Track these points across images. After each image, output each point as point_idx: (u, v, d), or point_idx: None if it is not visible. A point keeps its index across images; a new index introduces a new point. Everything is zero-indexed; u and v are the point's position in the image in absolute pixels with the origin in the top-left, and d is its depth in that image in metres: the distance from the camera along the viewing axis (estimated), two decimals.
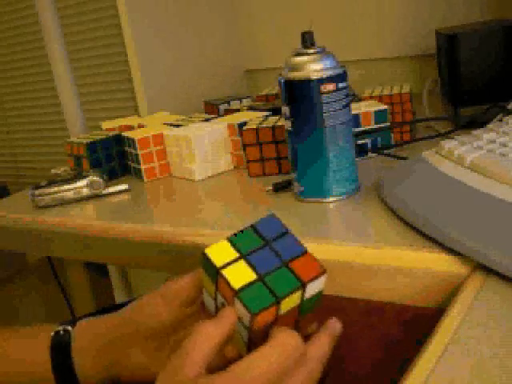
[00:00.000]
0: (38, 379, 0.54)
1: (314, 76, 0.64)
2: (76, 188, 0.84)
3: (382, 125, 0.81)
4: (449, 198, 0.56)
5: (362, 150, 0.79)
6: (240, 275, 0.44)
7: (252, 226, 0.47)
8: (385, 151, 0.80)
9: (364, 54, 1.27)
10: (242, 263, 0.44)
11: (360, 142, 0.79)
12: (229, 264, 0.44)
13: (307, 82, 0.64)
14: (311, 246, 0.57)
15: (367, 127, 0.81)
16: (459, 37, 0.89)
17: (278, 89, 0.69)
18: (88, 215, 0.81)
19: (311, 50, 0.65)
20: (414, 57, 1.22)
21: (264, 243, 0.46)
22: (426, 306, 0.51)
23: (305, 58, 0.65)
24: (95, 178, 0.84)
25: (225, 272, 0.44)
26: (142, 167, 0.88)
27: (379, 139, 0.81)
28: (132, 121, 1.04)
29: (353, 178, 0.68)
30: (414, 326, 0.51)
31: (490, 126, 0.69)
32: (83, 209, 0.83)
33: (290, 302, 0.44)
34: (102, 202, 0.84)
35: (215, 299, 0.47)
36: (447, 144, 0.65)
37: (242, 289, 0.43)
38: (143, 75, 1.27)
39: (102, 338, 0.52)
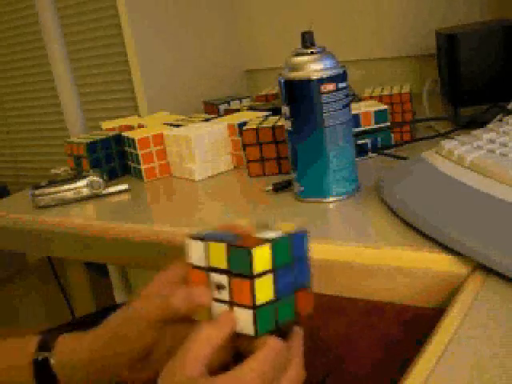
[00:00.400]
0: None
1: (314, 76, 0.64)
2: (76, 188, 0.84)
3: (382, 125, 0.81)
4: (449, 198, 0.56)
5: (362, 150, 0.79)
6: (264, 290, 0.43)
7: (290, 236, 0.45)
8: (385, 151, 0.80)
9: (364, 54, 1.27)
10: (270, 277, 0.43)
11: (360, 141, 0.79)
12: (263, 274, 0.42)
13: (307, 82, 0.64)
14: (312, 246, 0.57)
15: (367, 127, 0.81)
16: (459, 37, 0.89)
17: (277, 89, 0.69)
18: (88, 215, 0.81)
19: (311, 50, 0.65)
20: (414, 57, 1.22)
21: (291, 261, 0.45)
22: (426, 306, 0.51)
23: (305, 58, 0.65)
24: (95, 178, 0.84)
25: (257, 281, 0.42)
26: (142, 167, 0.88)
27: (379, 139, 0.81)
28: (132, 121, 1.04)
29: (353, 178, 0.68)
30: (413, 325, 0.51)
31: (490, 125, 0.69)
32: (83, 209, 0.83)
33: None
34: (102, 202, 0.84)
35: (216, 287, 0.45)
36: (447, 144, 0.65)
37: (261, 306, 0.42)
38: (143, 75, 1.27)
39: (85, 362, 0.51)
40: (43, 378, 0.52)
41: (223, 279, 0.44)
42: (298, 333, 0.47)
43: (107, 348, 0.50)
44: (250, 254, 0.42)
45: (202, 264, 0.45)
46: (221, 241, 0.44)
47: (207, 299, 0.45)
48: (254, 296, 0.42)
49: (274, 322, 0.43)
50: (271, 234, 0.44)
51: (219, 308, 0.45)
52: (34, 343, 0.54)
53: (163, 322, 0.48)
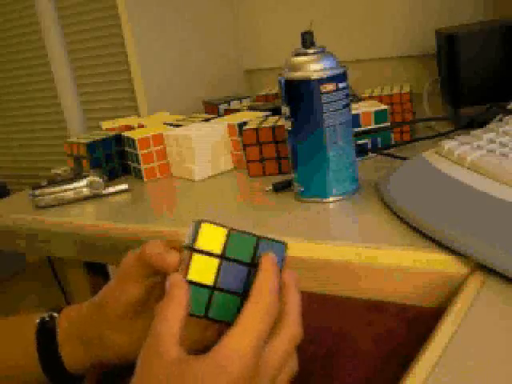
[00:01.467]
0: (25, 370, 0.54)
1: (314, 76, 0.64)
2: (76, 188, 0.84)
3: (381, 125, 0.81)
4: (449, 198, 0.56)
5: (362, 150, 0.79)
6: (202, 270, 0.43)
7: (258, 238, 0.44)
8: (385, 151, 0.80)
9: (364, 54, 1.27)
10: (213, 261, 0.43)
11: (360, 142, 0.79)
12: (205, 253, 0.43)
13: (307, 82, 0.64)
14: (311, 246, 0.57)
15: (367, 127, 0.81)
16: (459, 37, 0.89)
17: (278, 89, 0.69)
18: (88, 215, 0.81)
19: (311, 50, 0.65)
20: (414, 57, 1.22)
21: (250, 263, 0.44)
22: (426, 305, 0.51)
23: (305, 58, 0.65)
24: (95, 178, 0.84)
25: (195, 256, 0.43)
26: (142, 167, 0.88)
27: (379, 139, 0.81)
28: (132, 121, 1.05)
29: (353, 177, 0.68)
30: (413, 325, 0.51)
31: (490, 126, 0.69)
32: (83, 209, 0.83)
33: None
34: (102, 202, 0.84)
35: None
36: (447, 144, 0.65)
37: (193, 283, 0.42)
38: (143, 75, 1.27)
39: (82, 323, 0.53)
40: (47, 352, 0.53)
41: (186, 254, 0.44)
42: (292, 281, 0.44)
43: (96, 310, 0.52)
44: (198, 225, 0.43)
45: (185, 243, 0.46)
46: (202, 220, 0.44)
47: (173, 259, 0.45)
48: (187, 269, 0.42)
49: (204, 309, 0.43)
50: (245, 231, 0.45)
51: None
52: (34, 321, 0.55)
53: (144, 275, 0.49)
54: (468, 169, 0.60)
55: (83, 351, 0.53)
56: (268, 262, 0.43)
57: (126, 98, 1.42)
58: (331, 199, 0.67)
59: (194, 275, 0.43)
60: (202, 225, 0.43)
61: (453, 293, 0.47)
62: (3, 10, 1.70)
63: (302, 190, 0.68)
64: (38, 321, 0.54)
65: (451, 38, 0.90)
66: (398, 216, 0.57)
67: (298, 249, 0.57)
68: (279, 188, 0.73)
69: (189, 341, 0.43)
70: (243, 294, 0.43)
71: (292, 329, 0.42)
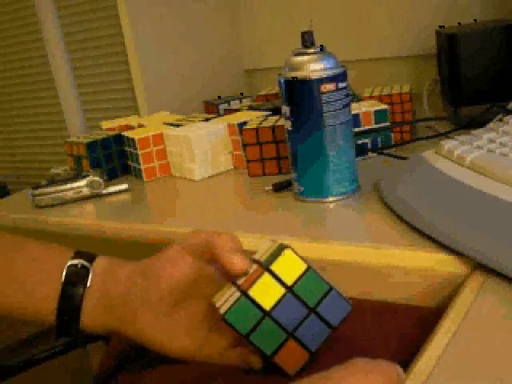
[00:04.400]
0: (39, 307, 0.51)
1: (314, 76, 0.64)
2: (76, 188, 0.84)
3: (381, 125, 0.81)
4: (449, 198, 0.56)
5: (362, 150, 0.79)
6: (265, 292, 0.41)
7: (330, 288, 0.43)
8: (385, 151, 0.80)
9: (364, 54, 1.27)
10: (280, 289, 0.42)
11: (360, 141, 0.79)
12: (276, 277, 0.42)
13: (307, 82, 0.64)
14: (312, 246, 0.57)
15: (367, 127, 0.81)
16: (459, 37, 0.89)
17: (278, 89, 0.69)
18: (88, 215, 0.81)
19: (311, 50, 0.65)
20: (414, 57, 1.22)
21: (311, 307, 0.42)
22: (426, 305, 0.51)
23: (305, 58, 0.65)
24: (95, 178, 0.84)
25: (266, 276, 0.41)
26: (142, 167, 0.88)
27: (379, 139, 0.81)
28: (132, 121, 1.04)
29: (353, 177, 0.68)
30: (413, 325, 0.51)
31: (490, 125, 0.69)
32: (83, 209, 0.83)
33: None
34: (102, 202, 0.84)
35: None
36: (447, 144, 0.65)
37: (248, 296, 0.41)
38: (143, 75, 1.27)
39: (118, 287, 0.49)
40: (67, 301, 0.50)
41: (252, 268, 0.43)
42: None
43: (141, 280, 0.48)
44: (281, 250, 0.42)
45: (257, 257, 0.45)
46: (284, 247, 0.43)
47: (241, 266, 0.44)
48: (251, 284, 0.41)
49: (247, 329, 0.41)
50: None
51: (228, 290, 0.44)
52: (70, 252, 0.51)
53: (203, 259, 0.47)
54: (468, 169, 0.60)
55: (107, 317, 0.49)
56: None
57: (126, 98, 1.42)
58: (331, 199, 0.67)
59: (255, 292, 0.41)
60: (286, 251, 0.42)
61: (453, 293, 0.47)
62: (3, 9, 1.70)
63: (302, 190, 0.68)
64: (68, 264, 0.50)
65: (451, 38, 0.90)
66: (398, 216, 0.57)
67: (297, 249, 0.57)
68: (279, 188, 0.73)
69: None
70: (291, 334, 0.42)
71: None
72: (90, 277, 0.50)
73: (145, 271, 0.49)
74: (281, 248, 0.42)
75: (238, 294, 0.42)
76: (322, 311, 0.43)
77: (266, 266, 0.42)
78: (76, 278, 0.50)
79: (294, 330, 0.42)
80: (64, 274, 0.50)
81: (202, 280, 0.48)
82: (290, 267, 0.42)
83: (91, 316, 0.50)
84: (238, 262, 0.44)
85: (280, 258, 0.42)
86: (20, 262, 0.53)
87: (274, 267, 0.41)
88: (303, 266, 0.42)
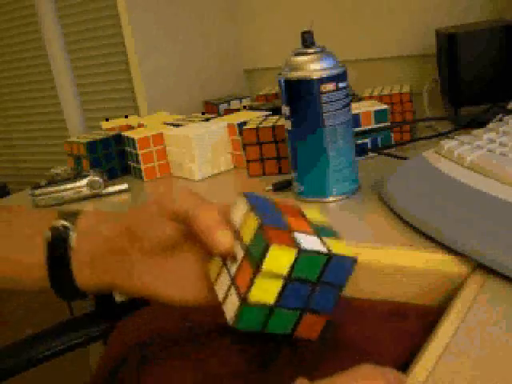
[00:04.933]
0: (33, 276, 0.50)
1: (314, 76, 0.64)
2: (76, 188, 0.84)
3: (381, 125, 0.81)
4: (449, 198, 0.56)
5: (362, 150, 0.79)
6: (265, 291, 0.40)
7: (328, 257, 0.40)
8: (385, 151, 0.80)
9: (364, 54, 1.27)
10: (279, 283, 0.40)
11: (360, 141, 0.79)
12: (271, 276, 0.39)
13: (307, 82, 0.64)
14: None
15: (367, 127, 0.81)
16: (459, 37, 0.89)
17: (277, 89, 0.69)
18: None
19: (311, 50, 0.65)
20: (414, 57, 1.22)
21: (316, 282, 0.41)
22: (426, 305, 0.51)
23: (305, 58, 0.65)
24: (95, 178, 0.84)
25: (260, 278, 0.39)
26: (142, 167, 0.88)
27: (379, 139, 0.81)
28: (132, 121, 1.05)
29: (353, 177, 0.68)
30: (413, 325, 0.51)
31: (490, 125, 0.69)
32: (83, 209, 0.82)
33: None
34: (102, 202, 0.84)
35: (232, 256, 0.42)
36: (447, 144, 0.65)
37: (250, 303, 0.40)
38: (143, 75, 1.27)
39: (105, 244, 0.48)
40: (57, 263, 0.49)
41: (239, 253, 0.41)
42: None
43: (125, 235, 0.47)
44: (266, 248, 0.39)
45: (237, 224, 0.42)
46: (260, 214, 0.41)
47: (228, 243, 0.42)
48: (248, 289, 0.39)
49: (260, 325, 0.41)
50: (315, 243, 0.41)
51: (223, 277, 0.42)
52: (53, 214, 0.50)
53: (183, 229, 0.45)
54: (468, 169, 0.60)
55: (99, 275, 0.48)
56: None
57: (126, 97, 1.42)
58: (331, 199, 0.67)
59: (254, 296, 0.40)
60: (271, 249, 0.39)
61: (453, 293, 0.47)
62: (3, 9, 1.70)
63: (302, 189, 0.68)
64: (50, 228, 0.49)
65: (451, 38, 0.90)
66: (398, 216, 0.57)
67: None
68: (279, 188, 0.73)
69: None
70: (303, 309, 0.41)
71: None
72: (73, 236, 0.49)
73: (130, 227, 0.47)
74: (266, 247, 0.39)
75: (237, 302, 0.40)
76: (327, 279, 0.41)
77: (256, 266, 0.39)
78: (59, 239, 0.49)
79: (305, 306, 0.41)
80: (46, 237, 0.49)
81: (189, 239, 0.46)
82: (280, 260, 0.39)
83: (84, 276, 0.48)
84: (220, 241, 0.42)
85: (268, 255, 0.39)
86: (3, 231, 0.53)
87: (265, 266, 0.39)
88: (293, 252, 0.39)
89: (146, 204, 0.47)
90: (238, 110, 1.02)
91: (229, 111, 1.04)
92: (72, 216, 0.50)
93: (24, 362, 0.70)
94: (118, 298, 0.52)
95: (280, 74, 0.66)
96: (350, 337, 0.51)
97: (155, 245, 0.46)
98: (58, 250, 0.49)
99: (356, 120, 0.79)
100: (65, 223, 0.49)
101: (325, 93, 0.64)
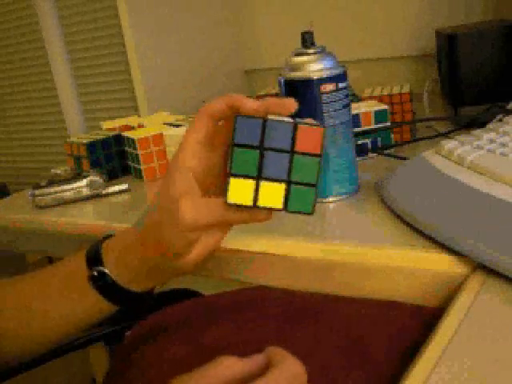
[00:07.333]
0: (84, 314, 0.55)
1: (314, 76, 0.64)
2: (76, 188, 0.84)
3: (381, 125, 0.81)
4: (449, 198, 0.56)
5: (362, 150, 0.79)
6: (245, 164, 0.44)
7: (295, 124, 0.44)
8: (385, 151, 0.80)
9: (364, 54, 1.27)
10: (257, 156, 0.44)
11: (360, 141, 0.79)
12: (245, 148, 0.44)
13: (307, 82, 0.64)
14: (312, 246, 0.57)
15: (367, 127, 0.81)
16: (459, 37, 0.89)
17: (278, 89, 0.69)
18: (88, 215, 0.81)
19: (311, 50, 0.65)
20: (414, 57, 1.22)
21: (290, 152, 0.44)
22: (426, 306, 0.51)
23: (305, 58, 0.65)
24: (95, 178, 0.84)
25: (236, 150, 0.44)
26: (142, 167, 0.88)
27: (379, 139, 0.81)
28: (132, 121, 1.04)
29: (353, 177, 0.68)
30: (413, 325, 0.51)
31: (490, 125, 0.69)
32: (83, 209, 0.83)
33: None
34: (102, 202, 0.84)
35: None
36: (447, 144, 0.65)
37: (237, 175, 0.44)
38: (143, 75, 1.27)
39: (132, 253, 0.52)
40: (103, 288, 0.53)
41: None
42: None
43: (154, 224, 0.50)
44: (235, 120, 0.45)
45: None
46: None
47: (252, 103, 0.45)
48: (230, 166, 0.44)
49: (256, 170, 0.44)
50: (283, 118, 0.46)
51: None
52: (82, 260, 0.54)
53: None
54: (468, 169, 0.60)
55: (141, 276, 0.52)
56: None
57: (126, 97, 1.42)
58: (331, 199, 0.67)
59: (236, 169, 0.44)
60: (238, 118, 0.44)
61: (453, 293, 0.47)
62: (3, 9, 1.70)
63: None
64: (88, 275, 0.53)
65: (451, 38, 0.90)
66: (398, 216, 0.57)
67: (297, 249, 0.57)
68: None
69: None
70: (287, 181, 0.44)
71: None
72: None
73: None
74: (234, 119, 0.44)
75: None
76: (299, 149, 0.44)
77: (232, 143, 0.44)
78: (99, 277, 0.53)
79: (288, 177, 0.44)
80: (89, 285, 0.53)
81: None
82: (248, 129, 0.44)
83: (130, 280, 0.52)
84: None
85: (237, 128, 0.44)
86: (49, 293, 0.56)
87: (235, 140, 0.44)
88: (260, 120, 0.44)
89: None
90: None
91: None
92: (98, 255, 0.54)
93: (25, 362, 0.70)
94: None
95: (280, 75, 0.66)
96: (348, 337, 0.51)
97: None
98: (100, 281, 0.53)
99: (356, 120, 0.79)
100: (99, 268, 0.53)
101: (325, 93, 0.64)
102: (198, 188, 0.47)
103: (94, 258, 0.53)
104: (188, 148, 0.48)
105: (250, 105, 0.45)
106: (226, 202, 0.44)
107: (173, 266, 0.50)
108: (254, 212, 0.45)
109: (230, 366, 0.38)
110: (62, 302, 0.55)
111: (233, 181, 0.44)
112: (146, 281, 0.53)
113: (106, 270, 0.52)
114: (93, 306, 0.54)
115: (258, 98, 1.15)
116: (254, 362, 0.39)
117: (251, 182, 0.45)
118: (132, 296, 0.53)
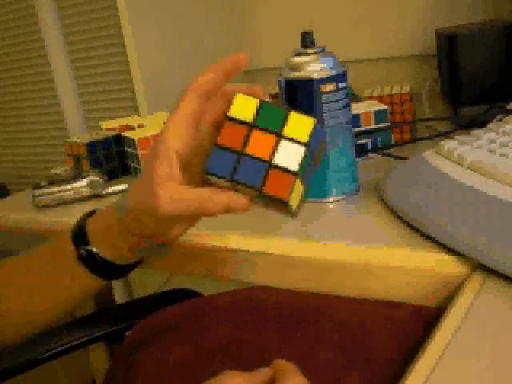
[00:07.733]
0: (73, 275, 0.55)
1: (314, 76, 0.64)
2: (76, 188, 0.84)
3: (381, 125, 0.81)
4: (449, 198, 0.56)
5: (362, 150, 0.79)
6: (234, 138, 0.45)
7: (289, 111, 0.45)
8: (385, 151, 0.80)
9: (364, 54, 1.27)
10: (244, 130, 0.45)
11: (360, 141, 0.79)
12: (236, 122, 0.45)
13: (307, 82, 0.64)
14: (312, 246, 0.57)
15: (367, 127, 0.81)
16: (459, 37, 0.89)
17: (278, 89, 0.69)
18: None
19: (311, 50, 0.65)
20: (414, 57, 1.22)
21: (278, 134, 0.45)
22: (426, 306, 0.51)
23: (305, 58, 0.65)
24: (95, 178, 0.84)
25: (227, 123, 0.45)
26: (142, 167, 0.88)
27: (379, 139, 0.81)
28: (132, 121, 1.04)
29: (353, 177, 0.68)
30: (414, 325, 0.51)
31: (490, 126, 0.69)
32: (83, 209, 0.82)
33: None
34: (102, 202, 0.84)
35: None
36: (447, 144, 0.65)
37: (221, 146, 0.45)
38: (143, 75, 1.27)
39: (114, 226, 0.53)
40: (93, 265, 0.54)
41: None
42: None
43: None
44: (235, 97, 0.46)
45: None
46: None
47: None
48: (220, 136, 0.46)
49: (230, 171, 0.45)
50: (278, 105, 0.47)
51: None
52: (68, 240, 0.55)
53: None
54: (468, 169, 0.60)
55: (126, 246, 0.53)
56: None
57: (126, 98, 1.42)
58: (331, 199, 0.67)
59: (224, 139, 0.45)
60: (237, 95, 0.45)
61: (453, 293, 0.47)
62: (3, 9, 1.70)
63: None
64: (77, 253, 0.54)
65: (451, 38, 0.90)
66: (398, 216, 0.57)
67: (297, 249, 0.57)
68: None
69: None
70: (269, 162, 0.45)
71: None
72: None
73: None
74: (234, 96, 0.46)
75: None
76: (288, 134, 0.45)
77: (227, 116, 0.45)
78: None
79: (271, 159, 0.45)
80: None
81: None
82: (244, 106, 0.45)
83: (116, 252, 0.54)
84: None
85: (234, 103, 0.45)
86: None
87: (230, 113, 0.45)
88: (256, 102, 0.45)
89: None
90: None
91: None
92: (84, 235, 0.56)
93: (25, 362, 0.70)
94: (118, 299, 0.53)
95: (280, 75, 0.66)
96: (347, 337, 0.51)
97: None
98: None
99: (356, 120, 0.79)
100: (86, 248, 0.55)
101: (325, 93, 0.64)
102: (180, 172, 0.47)
103: (81, 237, 0.55)
104: (173, 128, 0.47)
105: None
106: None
107: (154, 245, 0.52)
108: (232, 198, 0.45)
109: (235, 380, 0.38)
110: (51, 281, 0.56)
111: (227, 125, 0.46)
112: (130, 256, 0.54)
113: (94, 249, 0.53)
114: (83, 283, 0.55)
115: None
116: (259, 375, 0.39)
117: (244, 127, 0.46)
118: (120, 269, 0.55)
